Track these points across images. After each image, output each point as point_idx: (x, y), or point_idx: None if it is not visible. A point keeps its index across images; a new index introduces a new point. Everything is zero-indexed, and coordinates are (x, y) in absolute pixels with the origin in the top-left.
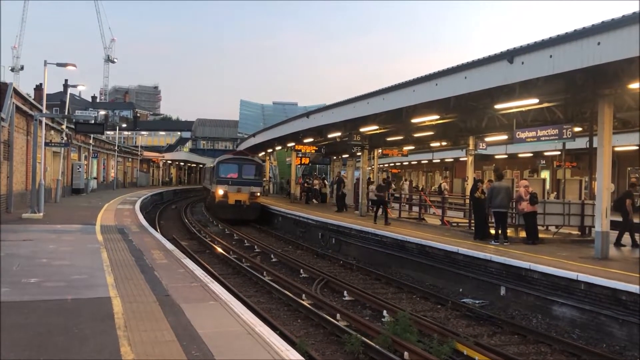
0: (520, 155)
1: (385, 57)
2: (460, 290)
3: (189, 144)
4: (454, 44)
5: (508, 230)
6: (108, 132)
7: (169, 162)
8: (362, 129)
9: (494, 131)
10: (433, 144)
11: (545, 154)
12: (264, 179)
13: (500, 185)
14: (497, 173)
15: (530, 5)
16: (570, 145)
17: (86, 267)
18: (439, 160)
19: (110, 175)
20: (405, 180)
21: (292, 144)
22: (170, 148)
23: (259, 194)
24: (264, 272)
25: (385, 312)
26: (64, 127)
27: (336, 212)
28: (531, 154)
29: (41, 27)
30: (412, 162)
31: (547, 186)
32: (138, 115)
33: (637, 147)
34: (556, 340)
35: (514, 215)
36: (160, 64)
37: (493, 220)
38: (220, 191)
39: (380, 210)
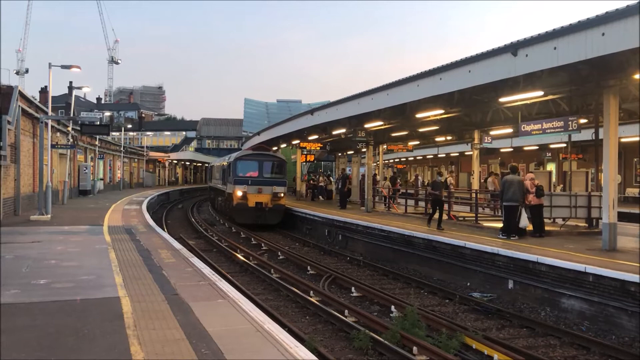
0: (525, 148)
1: (390, 55)
2: (468, 284)
3: (194, 144)
4: (459, 40)
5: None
6: (113, 133)
7: (175, 162)
8: (366, 125)
9: (499, 124)
10: (438, 139)
11: (551, 146)
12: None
13: (512, 179)
14: (511, 166)
15: (536, 4)
16: (576, 137)
17: (94, 268)
18: (444, 155)
19: (117, 176)
20: (417, 175)
21: (297, 141)
22: (176, 148)
23: (282, 194)
24: (272, 270)
25: (393, 308)
26: (69, 129)
27: (339, 207)
28: (537, 147)
29: (45, 30)
30: (418, 158)
31: (554, 179)
32: (143, 115)
33: None
34: (565, 332)
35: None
36: (163, 64)
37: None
38: (238, 192)
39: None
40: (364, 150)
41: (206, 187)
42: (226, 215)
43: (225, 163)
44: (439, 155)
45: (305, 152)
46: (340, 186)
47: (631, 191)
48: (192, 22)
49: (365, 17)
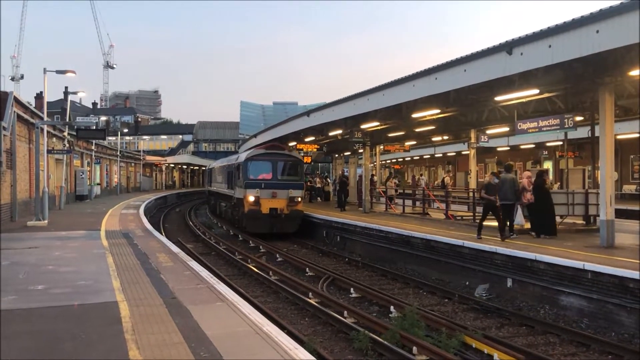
0: (522, 146)
1: (386, 55)
2: (467, 283)
3: (190, 147)
4: (455, 40)
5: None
6: (110, 138)
7: (172, 165)
8: (363, 126)
9: (495, 123)
10: (434, 139)
11: (548, 144)
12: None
13: (505, 177)
14: (505, 165)
15: (532, 3)
16: (572, 134)
17: (92, 273)
18: (441, 155)
19: (114, 181)
20: (422, 175)
21: (294, 143)
22: (172, 152)
23: (299, 198)
24: (270, 272)
25: (392, 308)
26: (65, 134)
27: (336, 209)
28: (533, 145)
29: (40, 35)
30: (414, 158)
31: (551, 176)
32: (139, 120)
33: (639, 135)
34: (564, 330)
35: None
36: (159, 68)
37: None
38: (250, 197)
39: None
40: (360, 151)
41: (204, 191)
42: (234, 223)
43: (231, 164)
44: (436, 155)
45: (302, 154)
46: (338, 188)
47: (628, 188)
48: (187, 25)
49: (362, 17)
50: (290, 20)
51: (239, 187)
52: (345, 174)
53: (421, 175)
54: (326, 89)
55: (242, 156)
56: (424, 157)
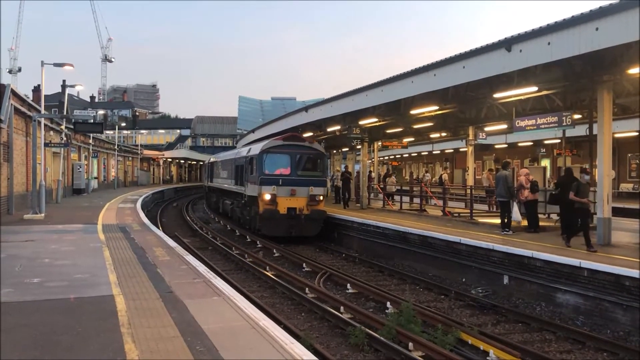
0: (520, 144)
1: (385, 55)
2: (464, 280)
3: (188, 142)
4: (455, 39)
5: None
6: (107, 132)
7: (169, 160)
8: (361, 122)
9: (494, 121)
10: (433, 135)
11: (545, 142)
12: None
13: (500, 174)
14: (503, 162)
15: (533, 2)
16: (570, 132)
17: (88, 266)
18: (439, 152)
19: (111, 175)
20: (427, 172)
21: None
22: (170, 146)
23: (321, 197)
24: (267, 267)
25: (388, 304)
26: (63, 127)
27: (334, 204)
28: (531, 143)
29: (38, 28)
30: (412, 154)
31: (548, 174)
32: (137, 114)
33: (637, 134)
34: (560, 327)
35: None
36: (158, 63)
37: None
38: (266, 195)
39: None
40: (358, 147)
41: (202, 186)
42: (244, 224)
43: (241, 157)
44: (434, 152)
45: None
46: (342, 184)
47: (625, 186)
48: (186, 21)
49: (362, 17)
50: (291, 20)
51: (252, 183)
52: (349, 170)
53: (427, 172)
54: (325, 87)
55: (256, 148)
56: (422, 153)
